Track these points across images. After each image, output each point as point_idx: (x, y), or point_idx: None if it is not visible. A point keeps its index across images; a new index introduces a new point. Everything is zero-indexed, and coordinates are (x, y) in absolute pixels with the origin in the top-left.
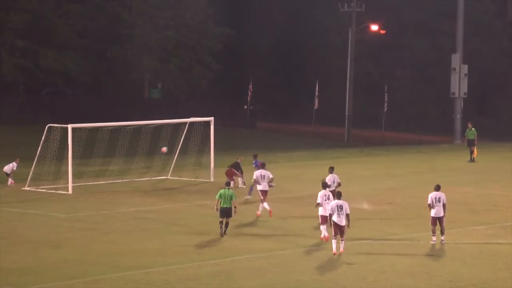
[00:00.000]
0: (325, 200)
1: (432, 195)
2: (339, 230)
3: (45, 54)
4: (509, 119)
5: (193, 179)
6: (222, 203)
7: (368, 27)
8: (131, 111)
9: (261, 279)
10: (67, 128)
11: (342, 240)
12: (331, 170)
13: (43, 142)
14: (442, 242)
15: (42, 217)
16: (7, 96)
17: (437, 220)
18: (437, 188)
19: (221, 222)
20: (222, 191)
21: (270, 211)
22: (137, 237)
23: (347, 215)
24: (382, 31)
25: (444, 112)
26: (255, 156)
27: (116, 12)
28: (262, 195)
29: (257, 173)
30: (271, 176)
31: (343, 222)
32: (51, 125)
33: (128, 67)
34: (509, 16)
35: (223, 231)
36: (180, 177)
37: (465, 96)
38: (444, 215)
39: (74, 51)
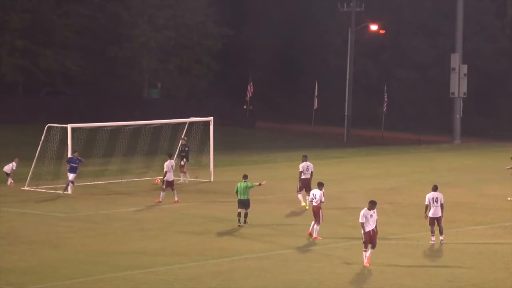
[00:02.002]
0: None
1: (430, 195)
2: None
3: (45, 54)
4: (509, 119)
5: (192, 179)
6: (239, 195)
7: (368, 27)
8: (131, 111)
9: (260, 279)
10: (66, 128)
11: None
12: (305, 158)
13: (43, 142)
14: (442, 242)
15: (41, 217)
16: (7, 96)
17: (435, 221)
18: (435, 189)
19: (239, 214)
20: (238, 184)
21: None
22: (136, 237)
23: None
24: (382, 31)
25: (443, 112)
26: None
27: (116, 12)
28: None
29: (302, 165)
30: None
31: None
32: (51, 125)
33: (128, 67)
34: (509, 16)
35: (243, 221)
36: (197, 177)
37: (465, 96)
38: (442, 215)
39: (73, 51)
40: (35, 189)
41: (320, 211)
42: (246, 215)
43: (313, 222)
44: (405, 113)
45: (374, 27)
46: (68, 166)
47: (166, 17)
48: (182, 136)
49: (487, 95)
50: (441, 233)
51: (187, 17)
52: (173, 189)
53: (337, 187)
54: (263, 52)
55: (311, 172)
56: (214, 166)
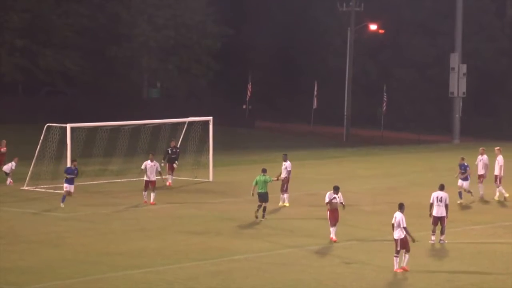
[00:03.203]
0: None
1: (435, 194)
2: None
3: (44, 54)
4: (508, 119)
5: (191, 179)
6: (258, 188)
7: (367, 27)
8: (130, 111)
9: (260, 278)
10: (66, 127)
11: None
12: (285, 157)
13: (42, 142)
14: (441, 241)
15: (41, 216)
16: (6, 96)
17: (438, 220)
18: (441, 188)
19: (259, 206)
20: (258, 177)
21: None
22: (136, 236)
23: None
24: (381, 31)
25: (443, 112)
26: None
27: (115, 12)
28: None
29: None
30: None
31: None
32: (50, 124)
33: (127, 66)
34: (508, 15)
35: (262, 215)
36: (196, 177)
37: (464, 96)
38: (446, 216)
39: (73, 51)
40: (35, 189)
41: (335, 212)
42: (264, 209)
43: (332, 228)
44: (404, 112)
45: (373, 27)
46: (65, 178)
47: (166, 17)
48: (172, 138)
49: (486, 95)
50: (442, 233)
51: (187, 17)
52: (153, 191)
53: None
54: (263, 52)
55: (289, 171)
56: (213, 165)
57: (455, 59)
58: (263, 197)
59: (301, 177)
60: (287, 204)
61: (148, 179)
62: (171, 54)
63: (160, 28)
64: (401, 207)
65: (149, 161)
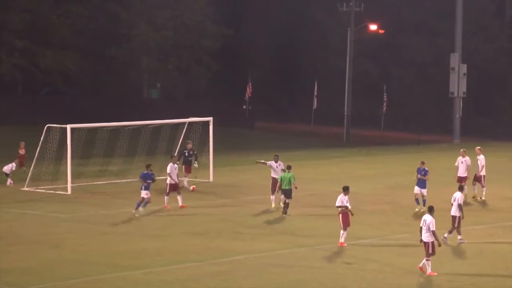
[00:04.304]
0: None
1: (454, 194)
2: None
3: (44, 54)
4: (508, 119)
5: (192, 179)
6: (283, 185)
7: (367, 27)
8: (130, 111)
9: (260, 279)
10: (66, 128)
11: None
12: (276, 158)
13: (42, 142)
14: (443, 238)
15: (41, 217)
16: (6, 96)
17: (452, 219)
18: (459, 188)
19: (287, 204)
20: (282, 174)
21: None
22: (136, 237)
23: None
24: (381, 31)
25: (443, 112)
26: None
27: (115, 12)
28: None
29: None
30: None
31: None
32: (50, 125)
33: (127, 67)
34: (508, 15)
35: (285, 211)
36: (196, 178)
37: (464, 96)
38: (459, 216)
39: (72, 51)
40: (35, 190)
41: (348, 215)
42: (287, 205)
43: (342, 231)
44: (404, 112)
45: (373, 27)
46: (142, 184)
47: (165, 17)
48: (187, 140)
49: (486, 95)
50: (449, 231)
51: (186, 17)
52: (179, 193)
53: (336, 187)
54: (262, 52)
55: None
56: (214, 166)
57: (455, 59)
58: (286, 193)
59: (301, 177)
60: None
61: (174, 182)
62: (171, 55)
63: (160, 29)
64: (430, 210)
65: (172, 163)
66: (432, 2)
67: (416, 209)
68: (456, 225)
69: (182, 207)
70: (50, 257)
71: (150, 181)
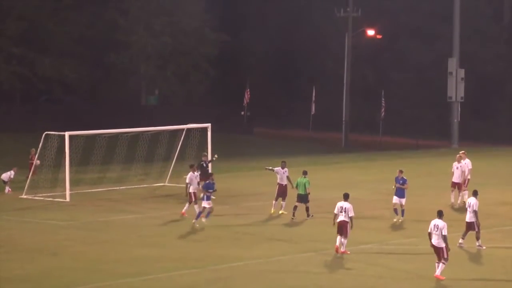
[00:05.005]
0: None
1: (469, 200)
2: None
3: (42, 62)
4: (506, 123)
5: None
6: (298, 189)
7: (365, 32)
8: (128, 118)
9: (260, 285)
10: (64, 135)
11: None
12: (284, 164)
13: (41, 150)
14: (459, 244)
15: (39, 225)
16: (4, 104)
17: (468, 225)
18: (473, 194)
19: (295, 207)
20: (299, 179)
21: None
22: (135, 244)
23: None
24: (379, 36)
25: (441, 116)
26: None
27: (113, 19)
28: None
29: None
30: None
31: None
32: (48, 132)
33: (125, 73)
34: (505, 20)
35: (307, 214)
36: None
37: (462, 100)
38: (473, 222)
39: (71, 58)
40: (33, 197)
41: (348, 225)
42: (307, 209)
43: (339, 237)
44: (402, 117)
45: (371, 32)
46: (204, 194)
47: (163, 24)
48: (204, 153)
49: (484, 99)
50: (462, 237)
51: (184, 23)
52: (196, 202)
53: (335, 192)
54: (260, 58)
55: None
56: (212, 172)
57: (452, 64)
58: (302, 198)
59: None
60: (285, 212)
61: (194, 191)
62: (169, 61)
63: (158, 35)
64: (440, 214)
65: (192, 172)
66: (429, 6)
67: (394, 219)
68: (474, 230)
69: (183, 214)
70: (49, 264)
71: (211, 191)
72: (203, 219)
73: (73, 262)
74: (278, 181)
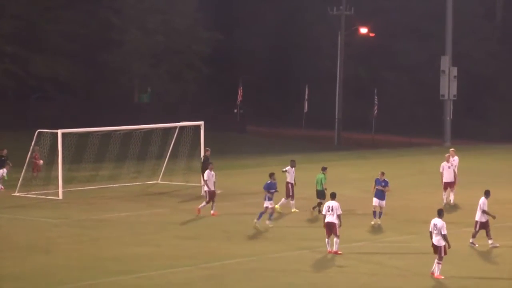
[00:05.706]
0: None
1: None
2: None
3: (35, 60)
4: (499, 121)
5: (183, 184)
6: (317, 186)
7: (358, 30)
8: (121, 116)
9: (252, 282)
10: (57, 133)
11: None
12: (293, 163)
13: (33, 148)
14: (471, 244)
15: (32, 222)
16: None
17: (480, 224)
18: (484, 194)
19: (318, 204)
20: (317, 176)
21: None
22: (128, 242)
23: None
24: (372, 34)
25: (434, 115)
26: None
27: (106, 18)
28: None
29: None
30: None
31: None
32: (41, 130)
33: (118, 72)
34: (498, 18)
35: (318, 210)
36: (188, 182)
37: (455, 98)
38: (482, 221)
39: (63, 57)
40: (26, 195)
41: (336, 225)
42: (318, 204)
43: (327, 240)
44: (395, 115)
45: (363, 30)
46: (266, 194)
47: (156, 22)
48: (206, 148)
49: (477, 97)
50: (472, 236)
51: (177, 22)
52: (213, 201)
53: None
54: (253, 56)
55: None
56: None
57: (445, 62)
58: (320, 194)
59: None
60: (297, 210)
61: (212, 189)
62: (162, 59)
63: (151, 34)
64: (440, 214)
65: (209, 170)
66: (422, 5)
67: (372, 222)
68: (484, 229)
69: (213, 214)
70: (42, 262)
71: (273, 191)
72: (267, 222)
73: (66, 259)
74: (287, 179)
